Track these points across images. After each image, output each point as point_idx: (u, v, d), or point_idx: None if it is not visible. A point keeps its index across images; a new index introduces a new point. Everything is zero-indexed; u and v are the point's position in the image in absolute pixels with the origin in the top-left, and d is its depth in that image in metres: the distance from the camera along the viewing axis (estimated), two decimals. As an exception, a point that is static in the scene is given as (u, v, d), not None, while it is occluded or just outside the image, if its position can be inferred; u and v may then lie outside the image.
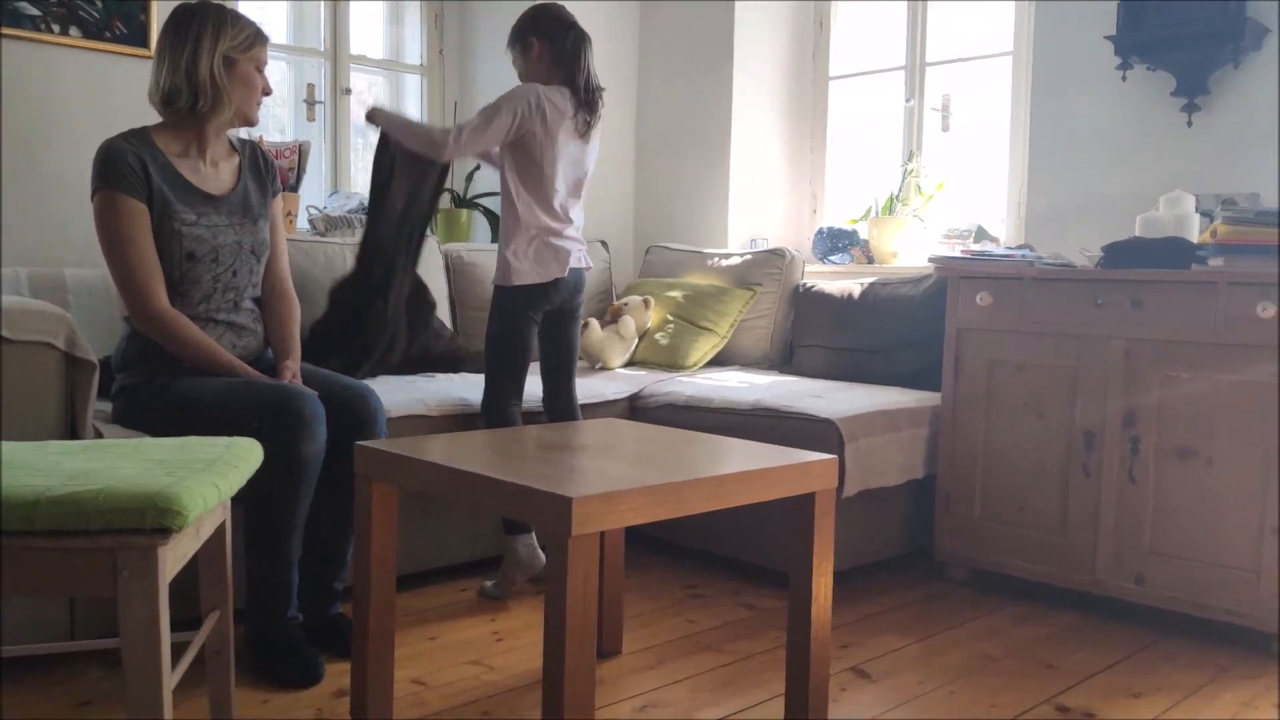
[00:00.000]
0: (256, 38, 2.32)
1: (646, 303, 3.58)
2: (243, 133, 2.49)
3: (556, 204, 2.68)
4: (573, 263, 2.71)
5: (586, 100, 2.71)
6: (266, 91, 2.37)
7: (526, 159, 2.65)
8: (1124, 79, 3.08)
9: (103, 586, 1.24)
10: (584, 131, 2.72)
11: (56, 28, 2.96)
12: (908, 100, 3.88)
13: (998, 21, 3.67)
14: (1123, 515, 2.56)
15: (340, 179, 3.88)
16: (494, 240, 4.04)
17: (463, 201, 4.06)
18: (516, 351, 2.69)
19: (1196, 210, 2.68)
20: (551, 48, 2.71)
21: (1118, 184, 3.17)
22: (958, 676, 2.23)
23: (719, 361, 3.67)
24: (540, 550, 2.66)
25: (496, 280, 2.71)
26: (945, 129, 3.79)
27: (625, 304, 3.56)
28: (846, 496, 2.68)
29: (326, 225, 3.42)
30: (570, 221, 2.74)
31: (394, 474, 1.84)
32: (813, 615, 1.89)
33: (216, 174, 2.36)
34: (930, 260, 3.00)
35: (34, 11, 2.91)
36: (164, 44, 2.27)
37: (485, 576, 2.84)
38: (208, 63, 2.23)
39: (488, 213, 4.07)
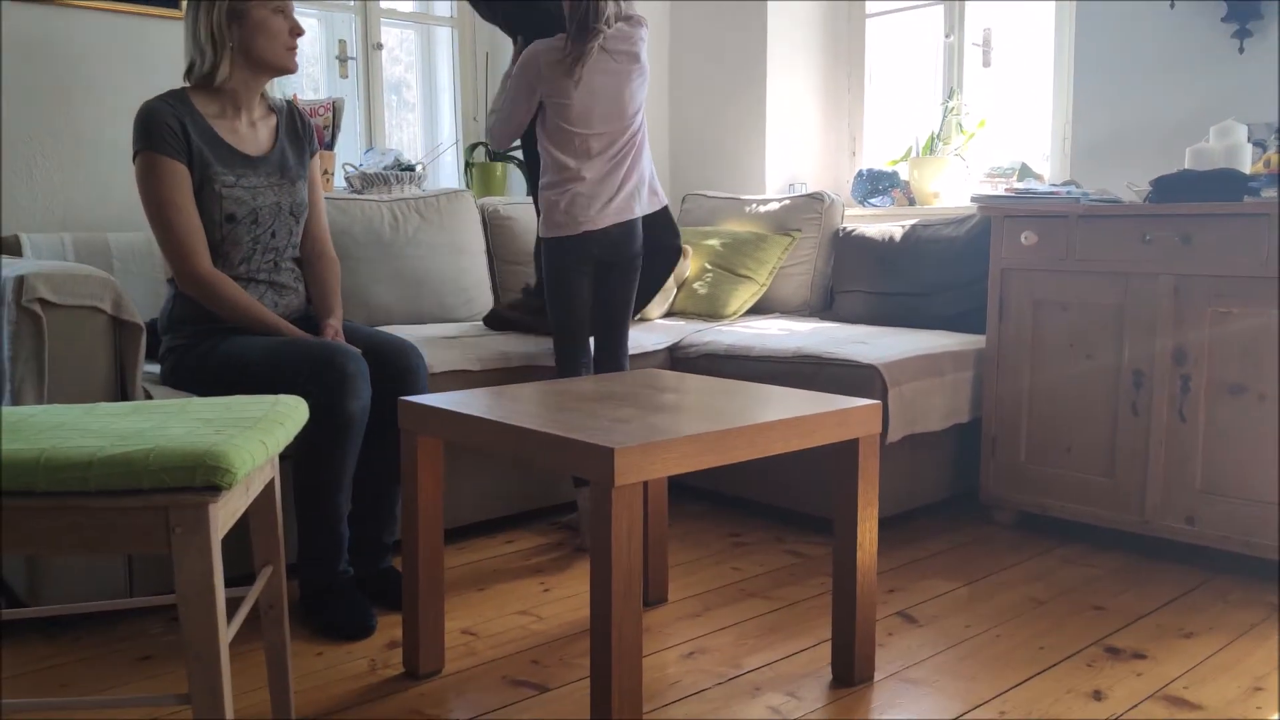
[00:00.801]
0: None
1: (685, 252, 3.56)
2: (275, 93, 2.49)
3: (592, 153, 2.65)
4: (614, 216, 2.67)
5: (578, 33, 2.60)
6: (296, 32, 2.31)
7: (548, 114, 2.64)
8: (1172, 6, 2.99)
9: (157, 544, 1.27)
10: (573, 64, 2.59)
11: (89, -8, 2.96)
12: (947, 36, 3.79)
13: (1040, -49, 3.56)
14: (1172, 454, 2.53)
15: (375, 136, 3.88)
16: (529, 193, 4.02)
17: (497, 155, 4.04)
18: (562, 305, 2.68)
19: (1249, 140, 2.60)
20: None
21: (1166, 115, 3.08)
22: (1005, 620, 2.23)
23: (759, 309, 3.65)
24: None
25: (537, 232, 2.71)
26: (986, 64, 3.71)
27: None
28: (890, 442, 2.67)
29: (363, 183, 3.42)
30: (611, 169, 2.68)
31: (438, 428, 1.85)
32: (858, 561, 1.89)
33: (254, 135, 2.36)
34: (973, 200, 2.94)
35: (66, -24, 2.91)
36: (186, 14, 2.27)
37: (531, 529, 2.86)
38: (207, 20, 2.21)
39: (523, 165, 4.05)
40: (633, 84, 2.69)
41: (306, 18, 3.75)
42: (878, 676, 1.95)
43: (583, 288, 2.69)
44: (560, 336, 2.70)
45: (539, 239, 2.72)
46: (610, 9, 2.62)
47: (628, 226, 2.71)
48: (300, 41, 2.35)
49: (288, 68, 2.32)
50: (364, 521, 2.31)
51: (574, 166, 2.64)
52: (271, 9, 2.26)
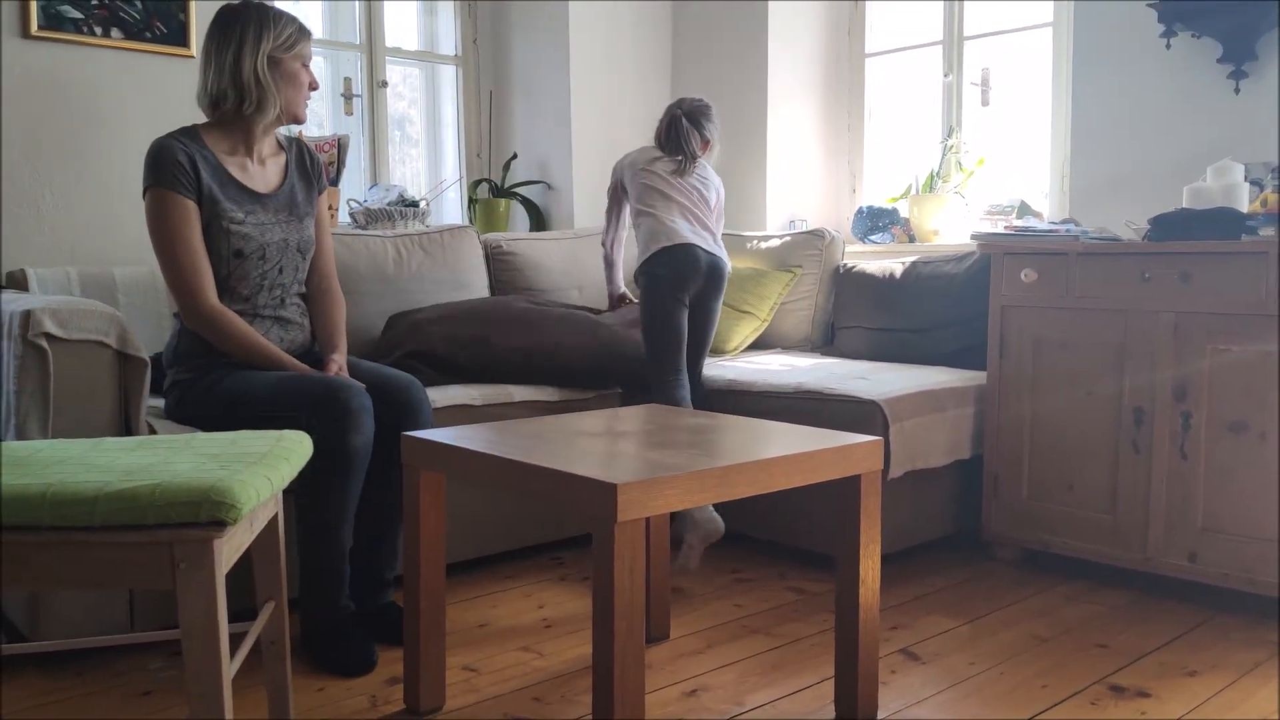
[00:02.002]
0: (299, 34, 2.34)
1: None
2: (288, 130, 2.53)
3: (668, 219, 2.93)
4: (686, 238, 2.89)
5: (670, 148, 3.03)
6: (314, 86, 2.40)
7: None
8: (1168, 47, 3.02)
9: (161, 579, 1.27)
10: (677, 170, 3.00)
11: (99, 30, 3.00)
12: (946, 75, 3.83)
13: (1037, -7, 3.61)
14: (1174, 492, 2.53)
15: (379, 172, 3.92)
16: (532, 229, 4.05)
17: (501, 191, 4.08)
18: (653, 331, 2.89)
19: (1245, 179, 2.63)
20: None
21: (1163, 154, 3.11)
22: (1008, 657, 2.22)
23: (760, 345, 3.67)
24: (716, 514, 2.70)
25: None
26: (985, 103, 3.75)
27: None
28: (892, 478, 2.67)
29: (367, 218, 3.45)
30: (688, 222, 2.95)
31: (441, 463, 1.86)
32: (861, 598, 1.89)
33: (264, 172, 2.39)
34: (973, 237, 2.96)
35: (76, 15, 2.96)
36: (209, 47, 2.30)
37: (532, 564, 2.86)
38: (251, 63, 2.26)
39: (525, 202, 4.08)
40: (700, 175, 3.08)
41: (313, 54, 3.79)
42: (881, 715, 1.94)
43: (671, 312, 2.92)
44: (650, 361, 2.93)
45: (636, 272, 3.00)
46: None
47: (698, 253, 2.96)
48: (314, 78, 2.42)
49: (302, 119, 2.40)
50: (366, 556, 2.31)
51: (657, 220, 3.00)
52: (300, 63, 2.34)
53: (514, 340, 2.92)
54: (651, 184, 2.97)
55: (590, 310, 3.28)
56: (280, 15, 2.32)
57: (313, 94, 2.41)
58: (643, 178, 2.99)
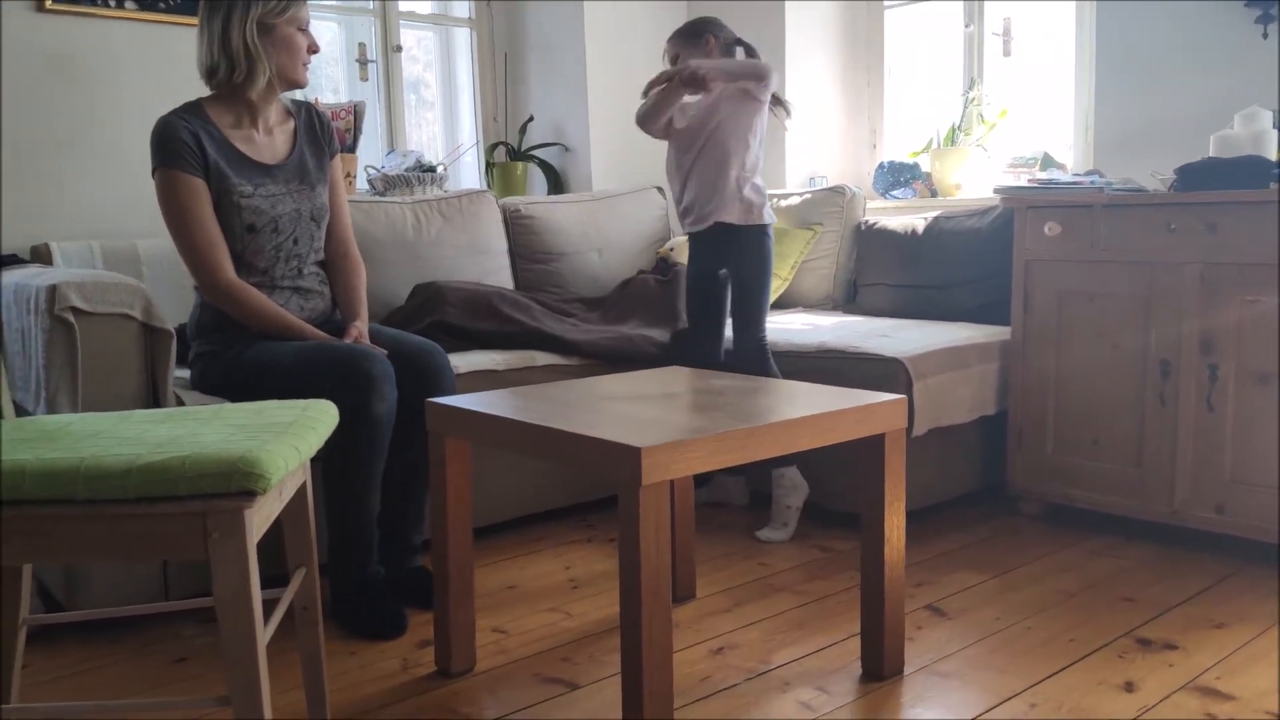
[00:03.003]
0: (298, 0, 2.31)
1: None
2: (297, 94, 2.52)
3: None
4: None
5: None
6: (313, 50, 2.36)
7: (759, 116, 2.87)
8: (1195, -8, 2.96)
9: (194, 550, 1.29)
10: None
11: (112, 1, 2.99)
12: (967, 26, 3.77)
13: (1059, -61, 3.54)
14: (1201, 444, 2.51)
15: (396, 138, 3.90)
16: (550, 192, 4.04)
17: (517, 154, 4.06)
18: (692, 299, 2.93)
19: (1274, 126, 2.58)
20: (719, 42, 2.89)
21: (1189, 103, 3.06)
22: (1034, 612, 2.22)
23: (782, 304, 3.65)
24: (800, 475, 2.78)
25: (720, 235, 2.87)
26: (1007, 54, 3.69)
27: (671, 248, 3.54)
28: (916, 435, 2.66)
29: (385, 185, 3.44)
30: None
31: (465, 429, 1.87)
32: (886, 556, 1.90)
33: (271, 142, 2.38)
34: (996, 191, 2.93)
35: (90, -13, 2.95)
36: (202, 16, 2.28)
37: (559, 526, 2.88)
38: (240, 31, 2.24)
39: (542, 164, 4.07)
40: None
41: (326, 22, 3.78)
42: (907, 670, 1.96)
43: (708, 282, 2.89)
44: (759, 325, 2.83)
45: (736, 237, 2.80)
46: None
47: (716, 226, 2.87)
48: (321, 44, 2.39)
49: (301, 83, 2.37)
50: (393, 522, 2.33)
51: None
52: (295, 27, 2.31)
53: (542, 327, 2.95)
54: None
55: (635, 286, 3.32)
56: None
57: (317, 55, 2.38)
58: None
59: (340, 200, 2.51)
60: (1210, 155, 2.58)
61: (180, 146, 2.22)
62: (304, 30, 2.34)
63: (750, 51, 2.94)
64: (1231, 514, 2.48)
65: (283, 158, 2.38)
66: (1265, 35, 2.90)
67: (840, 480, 2.82)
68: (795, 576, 2.47)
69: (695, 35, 2.91)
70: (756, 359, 2.77)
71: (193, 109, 2.30)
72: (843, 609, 2.26)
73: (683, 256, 3.48)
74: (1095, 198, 2.65)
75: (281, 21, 2.28)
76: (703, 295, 2.88)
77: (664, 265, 3.45)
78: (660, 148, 4.22)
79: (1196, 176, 2.52)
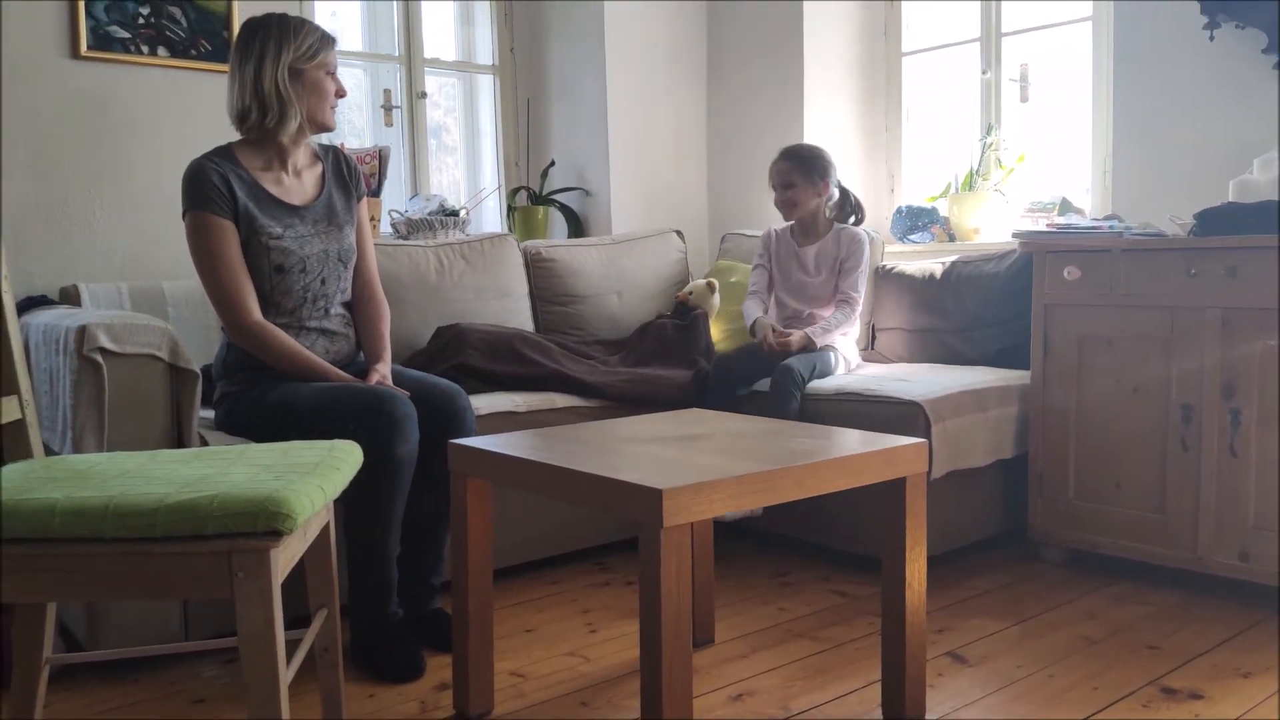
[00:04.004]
0: (321, 43, 2.35)
1: (711, 286, 3.56)
2: (324, 138, 2.56)
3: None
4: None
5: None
6: (340, 94, 2.41)
7: None
8: (1211, 39, 2.99)
9: (219, 589, 1.30)
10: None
11: (146, 48, 3.07)
12: (984, 72, 3.81)
13: (1075, -13, 3.58)
14: (1224, 490, 2.50)
15: (420, 182, 3.95)
16: (571, 235, 4.07)
17: (539, 198, 4.11)
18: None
19: (1293, 172, 2.59)
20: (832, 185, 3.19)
21: (1208, 148, 3.07)
22: (1057, 659, 2.20)
23: (800, 347, 3.65)
24: None
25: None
26: (1024, 100, 3.71)
27: (690, 292, 3.55)
28: (935, 479, 2.66)
29: (409, 228, 3.49)
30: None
31: (487, 470, 1.88)
32: (907, 601, 1.89)
33: (300, 184, 2.42)
34: (1014, 235, 2.95)
35: (124, 34, 3.02)
36: (233, 63, 2.33)
37: (578, 569, 2.88)
38: (271, 76, 2.29)
39: (563, 208, 4.11)
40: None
41: (352, 68, 3.85)
42: (929, 718, 1.94)
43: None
44: None
45: None
46: None
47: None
48: (348, 90, 2.44)
49: (329, 126, 2.42)
50: (413, 563, 2.33)
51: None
52: (324, 71, 2.35)
53: (563, 369, 2.97)
54: None
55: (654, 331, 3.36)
56: (302, 25, 2.34)
57: (343, 101, 2.43)
58: None
59: (366, 243, 2.55)
60: (1229, 200, 2.59)
61: (210, 189, 2.26)
62: (332, 75, 2.39)
63: (850, 201, 3.20)
64: (1255, 561, 2.45)
65: (311, 199, 2.42)
66: (1282, 82, 2.91)
67: (858, 523, 2.81)
68: (814, 622, 2.46)
69: (814, 170, 3.12)
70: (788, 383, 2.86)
71: (223, 153, 2.34)
72: (863, 655, 2.25)
73: (703, 301, 3.50)
74: (1114, 242, 2.66)
75: (311, 66, 2.33)
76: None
77: (683, 310, 3.47)
78: (679, 192, 4.28)
79: (1216, 221, 2.52)
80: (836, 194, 3.20)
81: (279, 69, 2.29)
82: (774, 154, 4.01)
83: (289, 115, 2.32)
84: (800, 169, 3.12)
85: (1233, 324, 2.47)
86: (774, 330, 3.03)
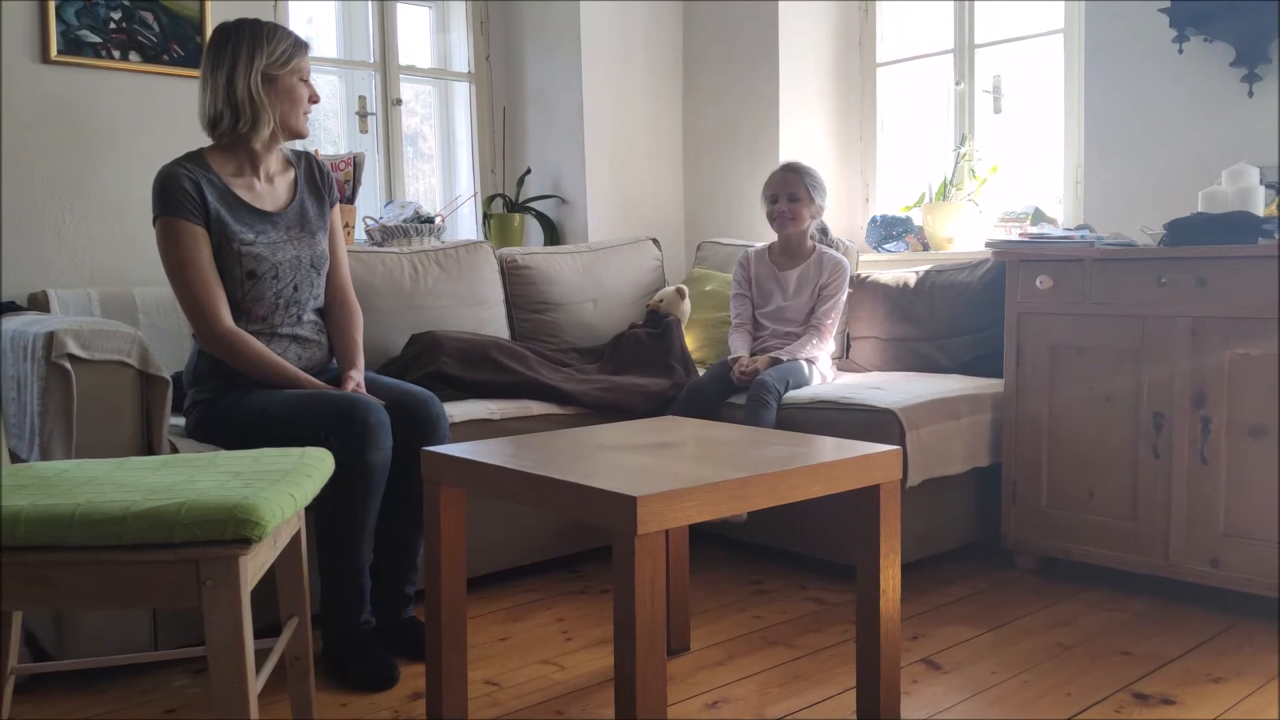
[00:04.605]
0: (294, 49, 2.34)
1: (680, 292, 3.56)
2: (297, 144, 2.55)
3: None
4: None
5: None
6: (314, 100, 2.40)
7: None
8: (1180, 51, 3.02)
9: (187, 597, 1.28)
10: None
11: (117, 53, 3.04)
12: (958, 83, 3.84)
13: None
14: (1195, 497, 2.52)
15: (395, 189, 3.94)
16: (546, 243, 4.07)
17: (515, 206, 4.10)
18: None
19: (1261, 183, 2.62)
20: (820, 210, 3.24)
21: (1178, 159, 3.10)
22: (1030, 665, 2.21)
23: (775, 355, 3.66)
24: None
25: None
26: (997, 111, 3.75)
27: (661, 300, 3.55)
28: (910, 486, 2.67)
29: (383, 235, 3.47)
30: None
31: (461, 478, 1.87)
32: (881, 608, 1.89)
33: (272, 190, 2.41)
34: (987, 245, 2.96)
35: (95, 39, 3.00)
36: (205, 68, 2.31)
37: (552, 577, 2.86)
38: (244, 82, 2.27)
39: (539, 216, 4.10)
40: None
41: (327, 74, 3.83)
42: (903, 725, 1.94)
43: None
44: None
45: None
46: None
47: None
48: (321, 96, 2.42)
49: (302, 133, 2.40)
50: (386, 571, 2.32)
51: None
52: (297, 77, 2.34)
53: (539, 377, 2.96)
54: None
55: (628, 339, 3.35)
56: (275, 31, 2.32)
57: (318, 107, 2.42)
58: None
59: (339, 249, 2.53)
60: (1198, 211, 2.62)
61: (181, 195, 2.24)
62: (305, 80, 2.37)
63: (826, 228, 3.30)
64: (1226, 568, 2.48)
65: (283, 205, 2.41)
66: (1251, 94, 2.95)
67: (834, 531, 2.81)
68: (790, 629, 2.46)
69: (817, 187, 3.17)
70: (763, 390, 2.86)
71: (195, 158, 2.32)
72: (838, 662, 2.25)
73: (673, 308, 3.51)
74: (1086, 252, 2.68)
75: (285, 72, 2.31)
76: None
77: (655, 317, 3.46)
78: (655, 201, 4.28)
79: (1186, 231, 2.55)
80: (821, 217, 3.22)
81: (252, 74, 2.27)
82: (750, 163, 4.03)
83: (262, 121, 2.30)
84: (806, 183, 3.14)
85: (1202, 333, 2.49)
86: (741, 365, 3.00)
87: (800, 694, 2.09)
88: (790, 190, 3.14)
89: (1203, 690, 2.07)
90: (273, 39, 2.30)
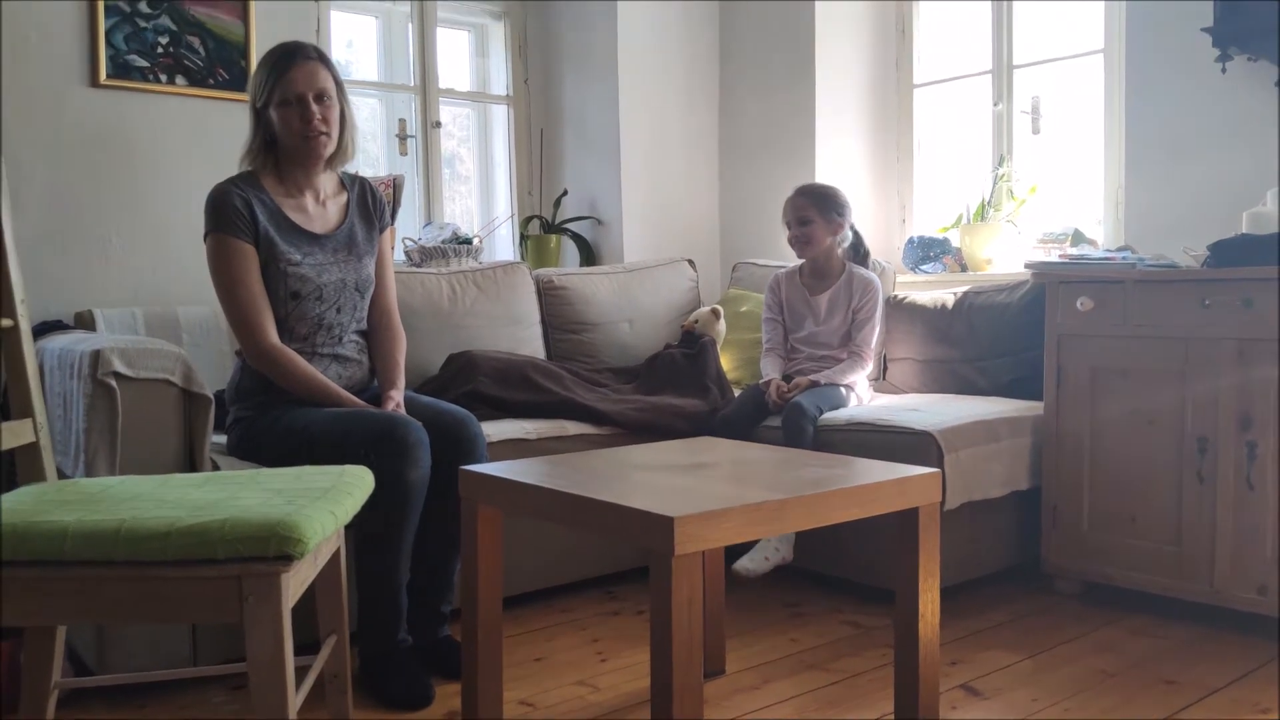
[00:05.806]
0: (270, 78, 2.30)
1: (715, 312, 3.56)
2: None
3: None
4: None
5: None
6: (306, 119, 2.31)
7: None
8: (1223, 71, 2.99)
9: (230, 613, 1.30)
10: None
11: (164, 77, 3.10)
12: (996, 104, 3.82)
13: (1087, 19, 3.59)
14: (1241, 523, 2.47)
15: (434, 211, 3.98)
16: (583, 264, 4.09)
17: (551, 227, 4.13)
18: None
19: (1307, 204, 2.59)
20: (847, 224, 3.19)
21: (1221, 180, 3.07)
22: (1072, 693, 2.18)
23: (812, 376, 3.64)
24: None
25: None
26: (1036, 131, 3.72)
27: (695, 320, 3.55)
28: (949, 509, 2.64)
29: (422, 256, 3.50)
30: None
31: (498, 497, 1.87)
32: (920, 632, 1.87)
33: (324, 212, 2.45)
34: (1027, 266, 2.94)
35: (143, 63, 3.06)
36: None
37: (587, 598, 2.86)
38: (265, 114, 2.34)
39: (576, 237, 4.13)
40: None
41: (367, 98, 3.88)
42: (943, 751, 1.91)
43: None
44: None
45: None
46: None
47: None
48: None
49: (307, 153, 2.35)
50: (422, 590, 2.33)
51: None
52: (284, 108, 2.32)
53: (575, 397, 2.96)
54: None
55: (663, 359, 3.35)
56: (260, 67, 2.34)
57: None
58: None
59: (387, 273, 2.56)
60: (1243, 232, 2.58)
61: (232, 212, 2.28)
62: (299, 98, 2.31)
63: (862, 245, 3.23)
64: (1273, 595, 2.43)
65: (333, 228, 2.44)
66: (1295, 114, 2.91)
67: (870, 554, 2.79)
68: (826, 653, 2.43)
69: (831, 207, 3.11)
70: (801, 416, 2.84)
71: (248, 178, 2.37)
72: (876, 687, 2.23)
73: (708, 328, 3.50)
74: (1127, 273, 2.65)
75: (272, 106, 2.33)
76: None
77: (689, 339, 3.46)
78: (690, 222, 4.29)
79: (1230, 253, 2.52)
80: (850, 235, 3.18)
81: (267, 108, 2.33)
82: (786, 185, 4.02)
83: (285, 150, 2.36)
84: (816, 205, 3.10)
85: (1248, 355, 2.46)
86: (778, 387, 2.98)
87: (838, 719, 2.06)
88: (799, 214, 3.12)
89: (1251, 720, 2.02)
90: (258, 75, 2.34)
